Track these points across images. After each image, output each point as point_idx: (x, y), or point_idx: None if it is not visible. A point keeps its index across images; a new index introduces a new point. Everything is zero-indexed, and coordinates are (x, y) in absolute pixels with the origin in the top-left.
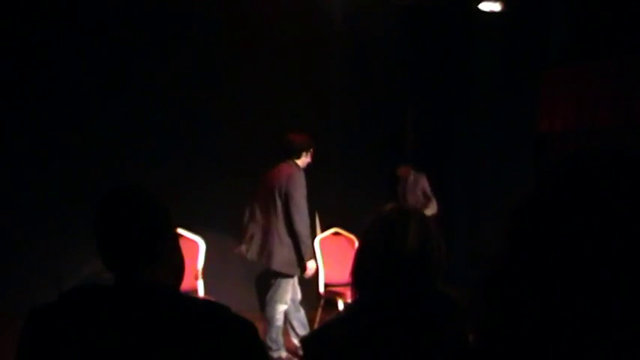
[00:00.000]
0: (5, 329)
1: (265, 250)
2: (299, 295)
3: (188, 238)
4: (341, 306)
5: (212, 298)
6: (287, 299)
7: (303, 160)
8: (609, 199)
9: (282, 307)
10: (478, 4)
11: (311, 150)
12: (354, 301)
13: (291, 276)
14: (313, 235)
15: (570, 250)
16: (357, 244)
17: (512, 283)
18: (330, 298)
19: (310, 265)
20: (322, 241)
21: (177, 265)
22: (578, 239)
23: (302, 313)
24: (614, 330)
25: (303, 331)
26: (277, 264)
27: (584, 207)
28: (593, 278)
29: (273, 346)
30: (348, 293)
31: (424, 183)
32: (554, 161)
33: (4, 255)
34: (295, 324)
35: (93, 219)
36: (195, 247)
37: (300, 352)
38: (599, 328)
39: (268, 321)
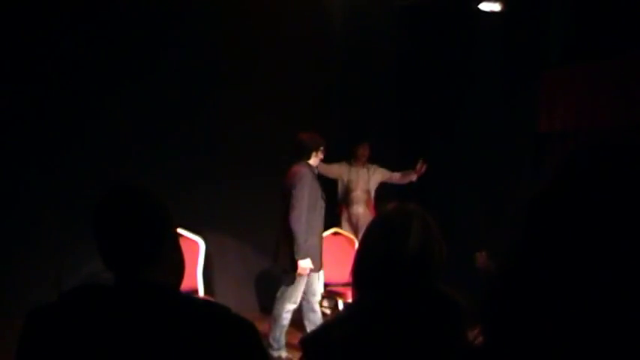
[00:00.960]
0: (5, 329)
1: (280, 250)
2: (318, 296)
3: (188, 238)
4: (341, 306)
5: (212, 298)
6: (297, 299)
7: (315, 160)
8: (626, 195)
9: (290, 307)
10: (478, 4)
11: (321, 148)
12: (354, 301)
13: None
14: None
15: (588, 247)
16: (357, 244)
17: (529, 280)
18: (330, 298)
19: (302, 264)
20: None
21: (177, 264)
22: (596, 237)
23: (318, 314)
24: (631, 328)
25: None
26: (292, 263)
27: (600, 204)
28: (611, 276)
29: (275, 345)
30: (348, 293)
31: (384, 176)
32: (568, 157)
33: (4, 255)
34: (307, 324)
35: (92, 219)
36: (196, 247)
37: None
38: (616, 326)
39: (274, 319)
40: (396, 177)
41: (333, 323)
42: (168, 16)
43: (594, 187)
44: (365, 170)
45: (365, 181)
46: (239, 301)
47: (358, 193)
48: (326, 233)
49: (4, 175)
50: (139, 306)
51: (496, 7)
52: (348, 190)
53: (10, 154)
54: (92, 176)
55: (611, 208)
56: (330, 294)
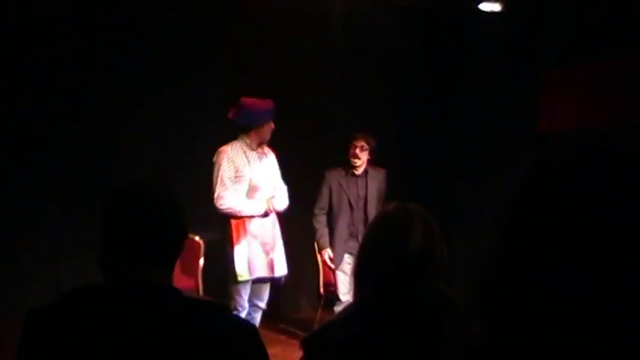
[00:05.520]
0: (5, 329)
1: None
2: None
3: (188, 238)
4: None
5: (212, 298)
6: None
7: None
8: (600, 196)
9: None
10: (478, 4)
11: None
12: (355, 301)
13: None
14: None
15: (565, 248)
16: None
17: (507, 284)
18: (330, 298)
19: None
20: None
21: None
22: (571, 237)
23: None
24: (614, 325)
25: None
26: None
27: (576, 205)
28: (588, 275)
29: None
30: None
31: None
32: (543, 160)
33: (3, 255)
34: None
35: (107, 216)
36: (196, 247)
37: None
38: (599, 325)
39: None
40: None
41: (334, 323)
42: (166, 11)
43: (570, 191)
44: None
45: None
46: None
47: None
48: None
49: (3, 175)
50: (139, 306)
51: (496, 7)
52: None
53: (10, 153)
54: (92, 176)
55: (588, 211)
56: (330, 294)
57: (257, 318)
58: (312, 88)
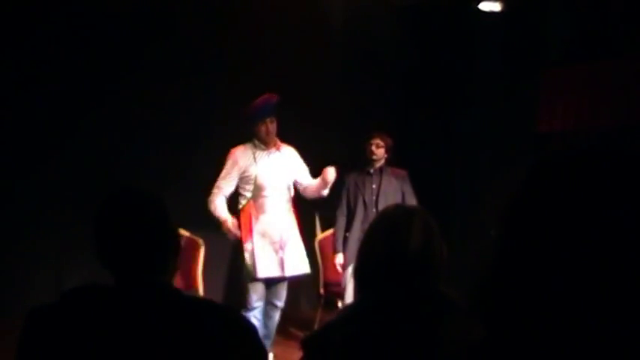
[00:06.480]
0: (5, 329)
1: None
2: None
3: (188, 238)
4: (340, 306)
5: (212, 298)
6: None
7: None
8: (601, 197)
9: None
10: (478, 4)
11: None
12: (356, 301)
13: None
14: (313, 235)
15: (565, 248)
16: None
17: (507, 285)
18: (330, 298)
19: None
20: (322, 241)
21: (174, 268)
22: (572, 238)
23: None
24: (614, 325)
25: None
26: None
27: (576, 206)
28: (588, 275)
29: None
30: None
31: None
32: (541, 163)
33: (3, 255)
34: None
35: (96, 224)
36: (196, 247)
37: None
38: (599, 325)
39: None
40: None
41: (334, 323)
42: (165, 13)
43: (566, 194)
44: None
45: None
46: (239, 301)
47: None
48: (326, 233)
49: (3, 175)
50: (140, 306)
51: (496, 7)
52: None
53: (10, 153)
54: (92, 177)
55: (584, 214)
56: (330, 294)
57: (275, 317)
58: (311, 89)
